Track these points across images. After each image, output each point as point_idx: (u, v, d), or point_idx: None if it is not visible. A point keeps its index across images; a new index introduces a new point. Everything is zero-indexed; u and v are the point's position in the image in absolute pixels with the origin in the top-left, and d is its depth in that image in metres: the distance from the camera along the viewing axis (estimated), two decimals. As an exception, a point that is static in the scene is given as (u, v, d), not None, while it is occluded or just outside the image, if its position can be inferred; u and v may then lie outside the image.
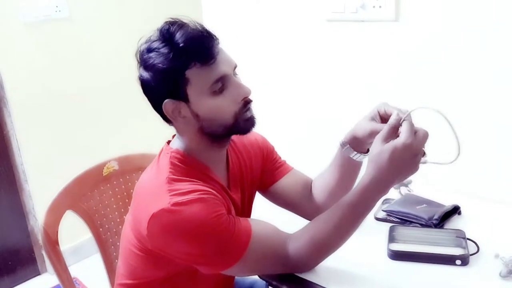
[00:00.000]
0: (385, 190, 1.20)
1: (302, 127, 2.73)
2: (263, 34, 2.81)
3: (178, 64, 1.18)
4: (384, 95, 2.33)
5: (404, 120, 1.18)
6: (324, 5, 2.42)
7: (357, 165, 1.41)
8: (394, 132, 1.18)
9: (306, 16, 2.55)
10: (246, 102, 1.26)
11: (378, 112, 1.30)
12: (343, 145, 1.38)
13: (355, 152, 1.36)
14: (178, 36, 1.19)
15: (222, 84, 1.22)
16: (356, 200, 1.21)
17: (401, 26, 2.17)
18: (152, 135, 2.57)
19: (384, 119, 1.29)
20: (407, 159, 1.15)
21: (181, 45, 1.18)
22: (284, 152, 1.60)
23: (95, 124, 2.92)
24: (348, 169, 1.42)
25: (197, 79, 1.20)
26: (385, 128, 1.19)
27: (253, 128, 1.30)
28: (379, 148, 1.16)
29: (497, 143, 1.98)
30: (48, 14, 2.62)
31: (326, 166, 1.48)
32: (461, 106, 2.03)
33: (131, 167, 1.77)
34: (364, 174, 1.21)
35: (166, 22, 1.24)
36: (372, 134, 1.26)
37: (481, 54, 1.96)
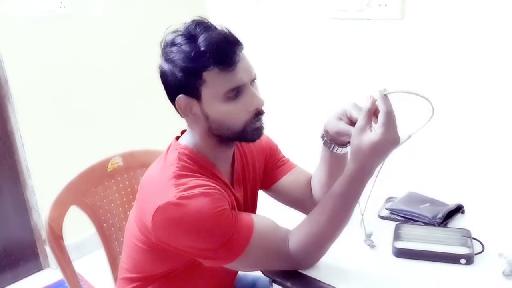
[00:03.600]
0: (370, 174, 1.21)
1: (305, 124, 2.73)
2: (267, 33, 2.81)
3: (197, 65, 1.19)
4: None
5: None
6: (329, 3, 2.42)
7: (342, 158, 1.41)
8: (370, 120, 1.19)
9: (311, 14, 2.55)
10: (258, 113, 1.26)
11: (346, 112, 1.30)
12: (322, 138, 1.39)
13: (336, 147, 1.37)
14: (201, 38, 1.19)
15: (237, 92, 1.22)
16: (345, 189, 1.22)
17: (407, 25, 2.17)
18: (157, 131, 2.58)
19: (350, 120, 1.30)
20: (386, 145, 1.16)
21: (202, 48, 1.18)
22: (287, 149, 1.61)
23: (100, 120, 2.93)
24: (334, 162, 1.42)
25: (213, 83, 1.20)
26: (361, 116, 1.18)
27: (260, 138, 1.30)
28: (358, 140, 1.17)
29: (501, 141, 1.98)
30: (52, 10, 2.63)
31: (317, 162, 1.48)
32: (466, 103, 2.03)
33: (135, 163, 1.77)
34: (348, 163, 1.21)
35: (194, 20, 1.24)
36: (340, 133, 1.31)
37: (487, 52, 1.96)
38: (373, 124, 1.18)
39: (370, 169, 1.20)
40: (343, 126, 1.29)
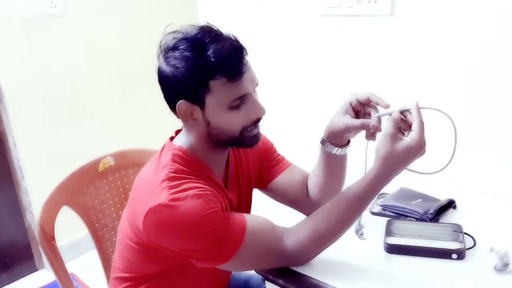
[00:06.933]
0: (390, 180, 1.24)
1: (298, 122, 2.74)
2: (258, 30, 2.80)
3: (205, 74, 1.17)
4: (379, 89, 2.33)
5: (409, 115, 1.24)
6: (320, 0, 2.41)
7: (342, 159, 1.42)
8: (398, 128, 1.23)
9: (302, 12, 2.55)
10: (257, 120, 1.27)
11: (350, 104, 1.33)
12: (323, 143, 1.39)
13: (337, 148, 1.38)
14: (211, 50, 1.17)
15: (241, 101, 1.22)
16: (364, 193, 1.24)
17: (397, 21, 2.17)
18: (148, 131, 2.58)
19: (356, 111, 1.34)
20: (417, 154, 1.20)
21: (212, 59, 1.16)
22: (281, 147, 1.61)
23: (91, 120, 2.92)
24: (334, 165, 1.43)
25: (219, 92, 1.19)
26: (391, 125, 1.21)
27: (257, 144, 1.32)
28: (390, 146, 1.20)
29: (492, 137, 1.99)
30: (43, 10, 2.62)
31: (314, 163, 1.48)
32: (456, 99, 2.03)
33: (126, 163, 1.76)
34: (373, 168, 1.23)
35: (201, 27, 1.22)
36: (347, 129, 1.32)
37: (477, 49, 1.96)
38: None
39: (393, 176, 1.23)
40: (351, 121, 1.31)
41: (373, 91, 1.32)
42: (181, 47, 1.19)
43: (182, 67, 1.18)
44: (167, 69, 1.21)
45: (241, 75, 1.19)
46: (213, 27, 1.23)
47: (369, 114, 1.32)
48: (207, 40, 1.18)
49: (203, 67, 1.17)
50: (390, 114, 1.24)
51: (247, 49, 1.23)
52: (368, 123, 1.28)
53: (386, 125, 1.22)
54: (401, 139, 1.20)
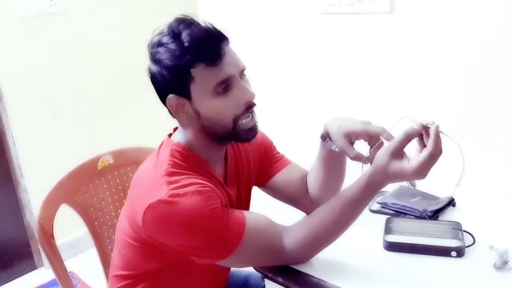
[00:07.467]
0: (386, 185, 1.23)
1: (298, 120, 2.74)
2: (258, 29, 2.81)
3: (184, 62, 1.18)
4: (379, 87, 2.33)
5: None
6: (319, -2, 2.42)
7: (341, 156, 1.41)
8: (406, 144, 1.19)
9: (301, 10, 2.55)
10: (249, 106, 1.26)
11: (354, 133, 1.30)
12: (323, 138, 1.38)
13: (336, 145, 1.36)
14: (185, 35, 1.18)
15: (226, 85, 1.21)
16: (358, 197, 1.23)
17: (396, 19, 2.17)
18: (147, 129, 2.57)
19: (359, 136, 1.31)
20: (410, 179, 1.23)
21: (186, 44, 1.17)
22: (280, 145, 1.61)
23: (90, 118, 2.92)
24: (333, 160, 1.42)
25: (201, 79, 1.20)
26: (399, 139, 1.18)
27: (254, 137, 1.30)
28: (386, 161, 1.17)
29: (491, 136, 1.98)
30: (42, 8, 2.61)
31: (314, 159, 1.48)
32: (455, 96, 2.03)
33: (126, 161, 1.76)
34: (366, 173, 1.22)
35: (176, 18, 1.23)
36: (341, 149, 1.31)
37: (476, 47, 1.96)
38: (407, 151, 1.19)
39: (387, 184, 1.22)
40: (347, 147, 1.29)
41: (385, 127, 1.27)
42: (163, 42, 1.21)
43: (165, 59, 1.19)
44: (153, 66, 1.23)
45: (220, 58, 1.19)
46: (186, 16, 1.24)
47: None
48: (181, 28, 1.20)
49: (181, 56, 1.18)
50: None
51: (227, 36, 1.23)
52: (360, 158, 1.27)
53: (397, 136, 1.18)
54: (401, 157, 1.17)
